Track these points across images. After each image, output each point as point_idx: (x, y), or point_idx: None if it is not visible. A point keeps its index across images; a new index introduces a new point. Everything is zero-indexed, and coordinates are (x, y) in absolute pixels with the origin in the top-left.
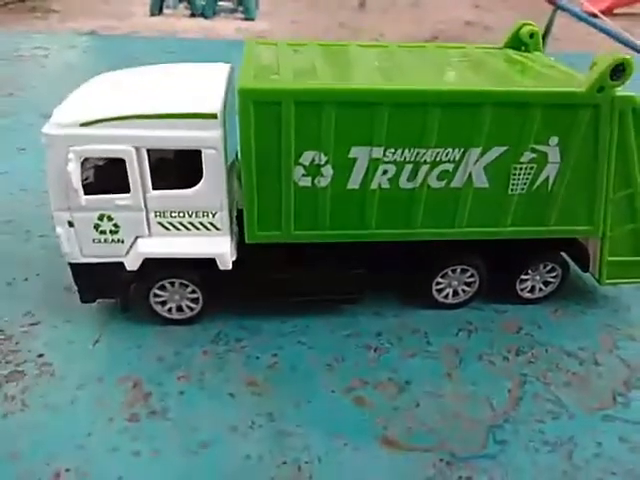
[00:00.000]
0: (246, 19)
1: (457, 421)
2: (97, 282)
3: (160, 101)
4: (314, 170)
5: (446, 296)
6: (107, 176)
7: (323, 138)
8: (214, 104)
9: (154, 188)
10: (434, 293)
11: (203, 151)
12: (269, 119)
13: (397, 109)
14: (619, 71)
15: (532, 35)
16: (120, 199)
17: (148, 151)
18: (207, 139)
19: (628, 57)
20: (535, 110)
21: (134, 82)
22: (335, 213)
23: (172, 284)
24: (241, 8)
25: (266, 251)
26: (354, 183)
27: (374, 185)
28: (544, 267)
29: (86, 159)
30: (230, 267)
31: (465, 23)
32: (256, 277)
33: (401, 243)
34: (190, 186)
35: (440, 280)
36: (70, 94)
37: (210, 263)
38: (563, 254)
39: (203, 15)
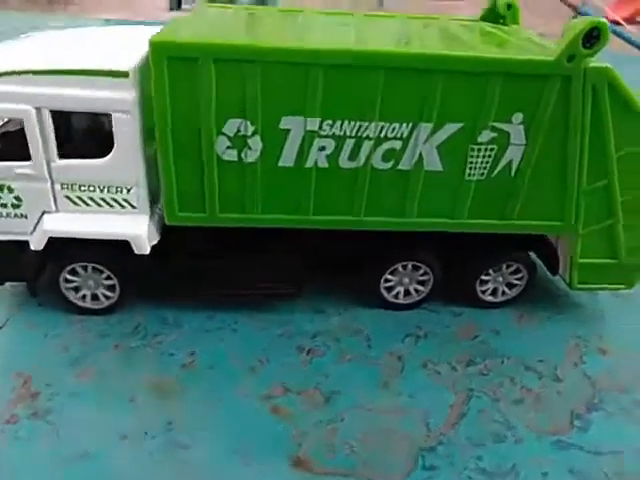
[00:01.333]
0: None
1: (384, 441)
2: (1, 262)
3: (70, 57)
4: (240, 142)
5: (396, 295)
6: (7, 140)
7: (249, 104)
8: (128, 62)
9: (60, 156)
10: (382, 291)
11: (114, 115)
12: (186, 79)
13: (333, 73)
14: (593, 37)
15: (509, 7)
16: (20, 167)
17: (52, 113)
18: (118, 101)
19: (603, 21)
20: (495, 81)
21: (60, 40)
22: (267, 194)
23: (84, 268)
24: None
25: (192, 235)
26: (287, 160)
27: (310, 163)
28: (507, 268)
29: None
30: (147, 252)
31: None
32: (180, 265)
33: (346, 232)
34: (101, 156)
35: (389, 277)
36: None
37: (128, 246)
38: (530, 253)
39: None
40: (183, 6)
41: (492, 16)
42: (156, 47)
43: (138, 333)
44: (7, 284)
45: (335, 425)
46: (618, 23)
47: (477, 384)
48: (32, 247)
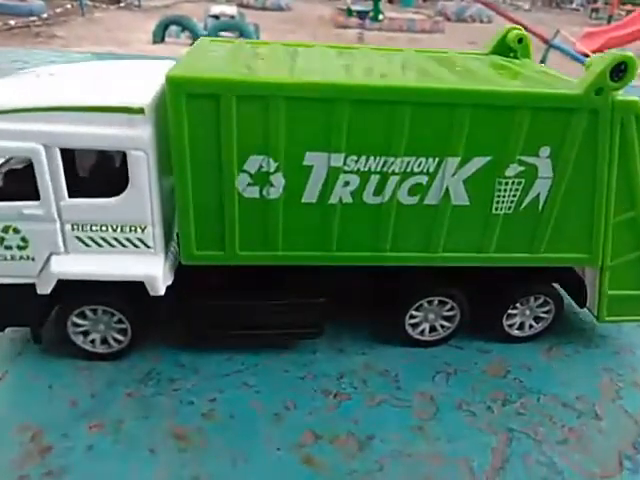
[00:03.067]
0: None
1: None
2: (3, 307)
3: (82, 93)
4: (262, 179)
5: (422, 332)
6: (13, 179)
7: (272, 141)
8: (144, 98)
9: (70, 195)
10: (408, 328)
11: (128, 153)
12: (205, 116)
13: (358, 108)
14: (620, 71)
15: (521, 40)
16: (28, 207)
17: (62, 150)
18: (133, 139)
19: (630, 55)
20: (522, 115)
21: (67, 74)
22: (289, 231)
23: (94, 311)
24: (242, 39)
25: (209, 275)
26: (310, 196)
27: (334, 199)
28: (535, 300)
29: None
30: (162, 293)
31: None
32: (197, 307)
33: (370, 268)
34: (114, 194)
35: (414, 313)
36: None
37: (140, 288)
38: (557, 286)
39: None
40: (167, 39)
41: (502, 49)
42: (174, 83)
43: (152, 379)
44: (7, 330)
45: (373, 476)
46: (587, 55)
47: (517, 425)
48: (39, 290)
